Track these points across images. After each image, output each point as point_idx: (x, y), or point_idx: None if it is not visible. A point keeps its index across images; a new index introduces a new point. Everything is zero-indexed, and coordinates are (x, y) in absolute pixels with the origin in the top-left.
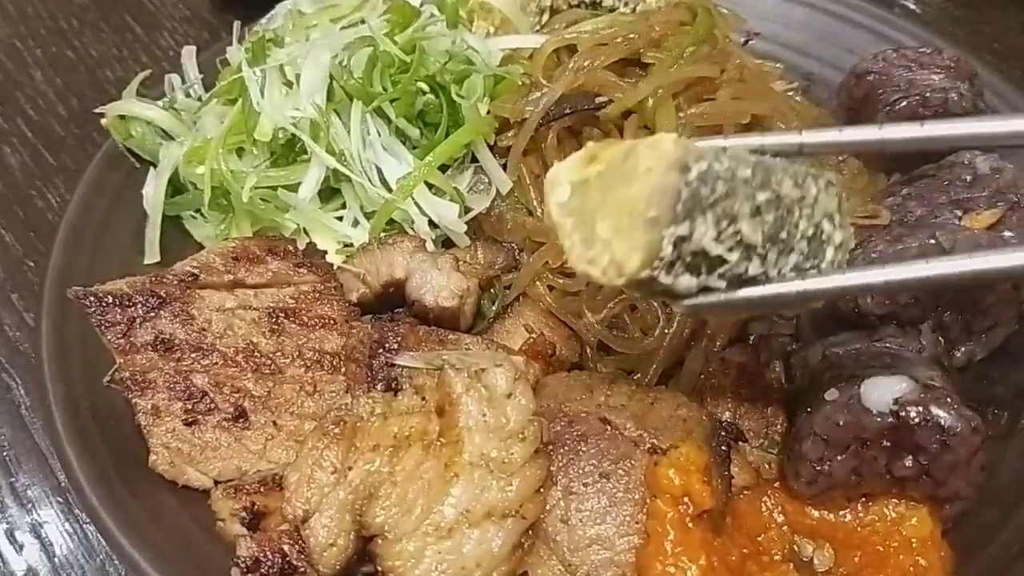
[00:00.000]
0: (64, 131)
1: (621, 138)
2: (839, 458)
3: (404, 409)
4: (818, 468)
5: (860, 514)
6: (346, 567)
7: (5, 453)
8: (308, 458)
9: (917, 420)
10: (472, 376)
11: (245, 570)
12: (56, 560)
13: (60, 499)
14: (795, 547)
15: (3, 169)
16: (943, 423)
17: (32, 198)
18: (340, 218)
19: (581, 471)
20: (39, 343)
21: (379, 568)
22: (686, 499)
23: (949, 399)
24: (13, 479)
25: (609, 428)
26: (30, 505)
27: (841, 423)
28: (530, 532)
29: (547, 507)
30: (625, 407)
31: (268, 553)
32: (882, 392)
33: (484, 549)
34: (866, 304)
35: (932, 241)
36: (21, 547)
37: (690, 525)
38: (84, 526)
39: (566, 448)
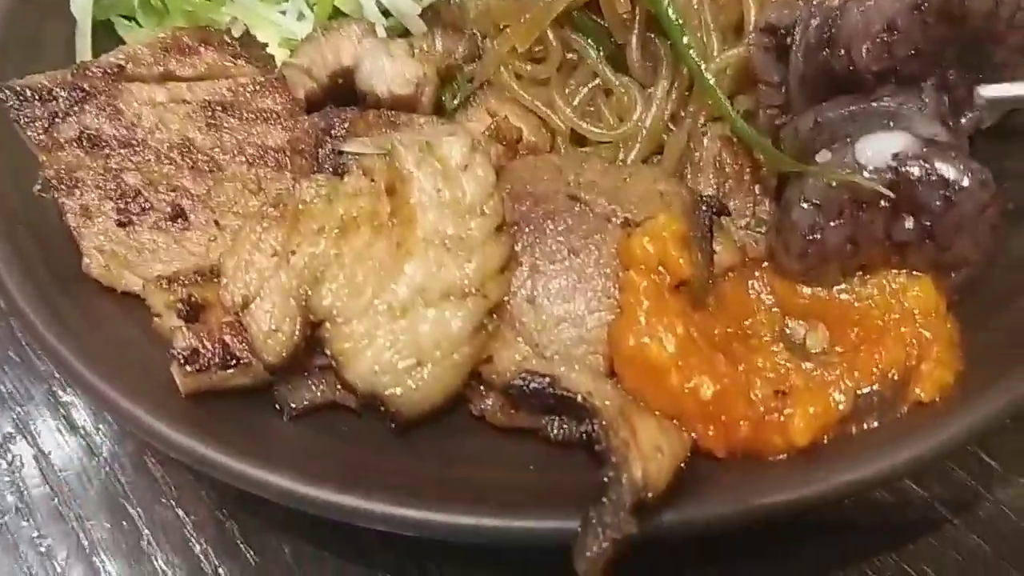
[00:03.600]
0: None
1: None
2: (832, 225)
3: (351, 191)
4: (809, 238)
5: (857, 288)
6: (293, 355)
7: None
8: (246, 242)
9: (918, 175)
10: (423, 149)
11: (183, 362)
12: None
13: (2, 323)
14: (786, 329)
15: None
16: (947, 176)
17: None
18: (284, 12)
19: (548, 249)
20: None
21: (328, 353)
22: (661, 269)
23: (954, 152)
24: None
25: (579, 205)
26: None
27: (835, 184)
28: (494, 316)
29: (512, 288)
30: (596, 184)
31: (207, 344)
32: (879, 148)
33: (442, 330)
34: (861, 59)
35: None
36: None
37: (666, 296)
38: (25, 349)
39: (532, 227)
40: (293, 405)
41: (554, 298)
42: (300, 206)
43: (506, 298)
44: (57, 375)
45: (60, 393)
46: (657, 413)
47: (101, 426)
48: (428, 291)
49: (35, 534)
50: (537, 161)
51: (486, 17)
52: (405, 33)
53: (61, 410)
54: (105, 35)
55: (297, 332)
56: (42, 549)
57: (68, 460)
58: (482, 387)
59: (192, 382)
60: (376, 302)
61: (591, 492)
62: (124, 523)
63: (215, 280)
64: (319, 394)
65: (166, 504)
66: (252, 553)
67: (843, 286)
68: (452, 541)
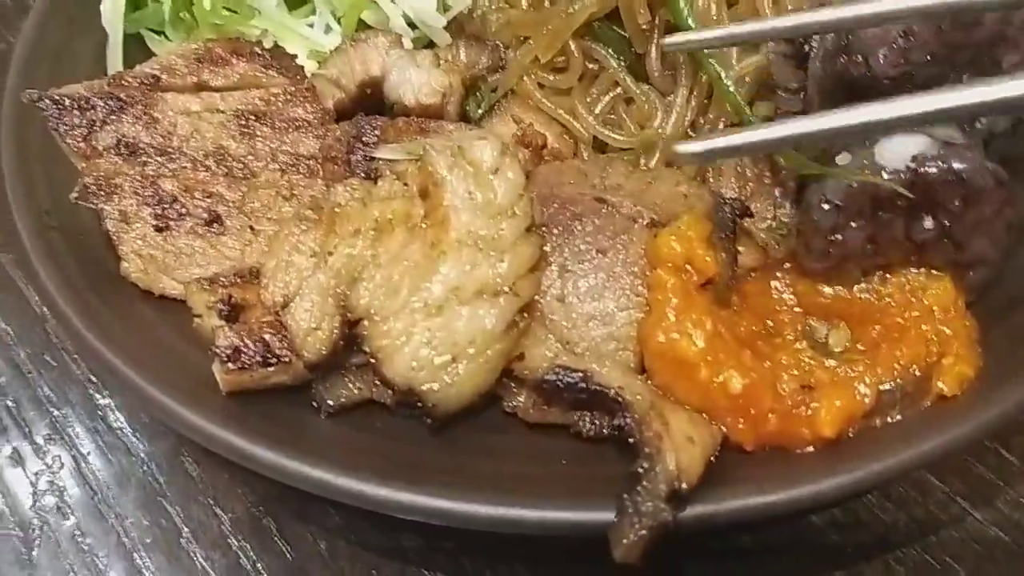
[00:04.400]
0: None
1: None
2: (853, 225)
3: (384, 194)
4: (831, 238)
5: (877, 287)
6: (332, 354)
7: None
8: (285, 243)
9: (937, 176)
10: (455, 154)
11: (225, 359)
12: (36, 388)
13: (38, 329)
14: (808, 328)
15: None
16: (965, 176)
17: None
18: (311, 25)
19: (576, 249)
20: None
21: (367, 351)
22: (688, 267)
23: (970, 153)
24: None
25: (605, 206)
26: (10, 340)
27: (855, 185)
28: (525, 313)
29: (542, 287)
30: (622, 186)
31: (248, 342)
32: (898, 150)
33: (477, 326)
34: (878, 64)
35: None
36: None
37: (694, 293)
38: (62, 353)
39: (560, 228)
40: (330, 402)
41: (583, 296)
42: (336, 209)
43: (536, 297)
44: (93, 378)
45: (96, 396)
46: (687, 407)
47: (137, 427)
48: (462, 290)
49: (76, 533)
50: (562, 166)
51: (508, 29)
52: (429, 45)
53: (98, 412)
54: (135, 48)
55: (336, 330)
56: (83, 548)
57: (106, 461)
58: (513, 384)
59: (233, 380)
60: (412, 300)
61: (625, 484)
62: (163, 521)
63: (254, 281)
64: (355, 391)
65: (203, 502)
66: (289, 548)
67: (863, 285)
68: (491, 533)
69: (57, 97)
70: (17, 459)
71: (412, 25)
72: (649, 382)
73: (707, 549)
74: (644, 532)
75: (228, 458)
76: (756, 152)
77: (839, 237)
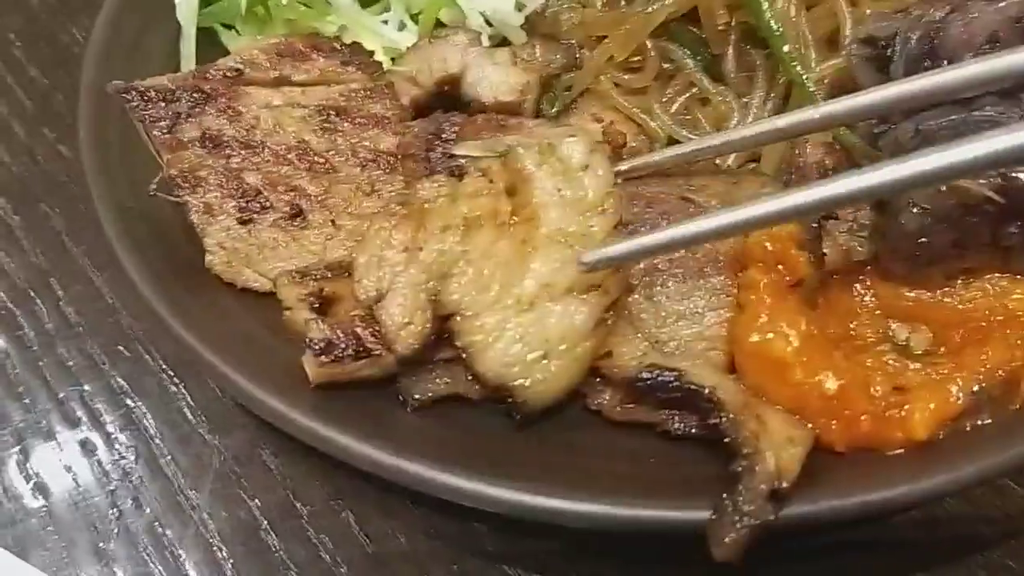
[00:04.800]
0: None
1: None
2: (940, 229)
3: (471, 191)
4: (919, 242)
5: (960, 291)
6: (424, 348)
7: (51, 278)
8: (376, 238)
9: None
10: (543, 151)
11: (318, 352)
12: (108, 378)
13: (110, 319)
14: (889, 332)
15: (24, 3)
16: None
17: (56, 32)
18: (385, 22)
19: None
20: (79, 158)
21: (459, 345)
22: (780, 267)
23: None
24: (59, 301)
25: (692, 206)
26: (82, 330)
27: (943, 189)
28: (612, 311)
29: (630, 285)
30: (707, 186)
31: (341, 335)
32: None
33: (568, 323)
34: None
35: None
36: (69, 369)
37: (786, 293)
38: (135, 344)
39: (647, 227)
40: (416, 396)
41: (672, 295)
42: (425, 205)
43: (624, 295)
44: (168, 370)
45: (171, 387)
46: (780, 408)
47: (213, 419)
48: (553, 286)
49: (154, 523)
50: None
51: (582, 28)
52: (502, 43)
53: (174, 403)
54: (205, 42)
55: (428, 324)
56: (162, 540)
57: (182, 452)
58: (599, 381)
59: (324, 372)
60: (504, 296)
61: (718, 484)
62: (241, 513)
63: (343, 275)
64: (441, 386)
65: (282, 494)
66: (368, 541)
67: (946, 289)
68: (574, 532)
69: (142, 89)
70: (91, 449)
71: (487, 23)
72: (741, 382)
73: (784, 549)
74: (745, 531)
75: (319, 448)
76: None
77: (925, 240)
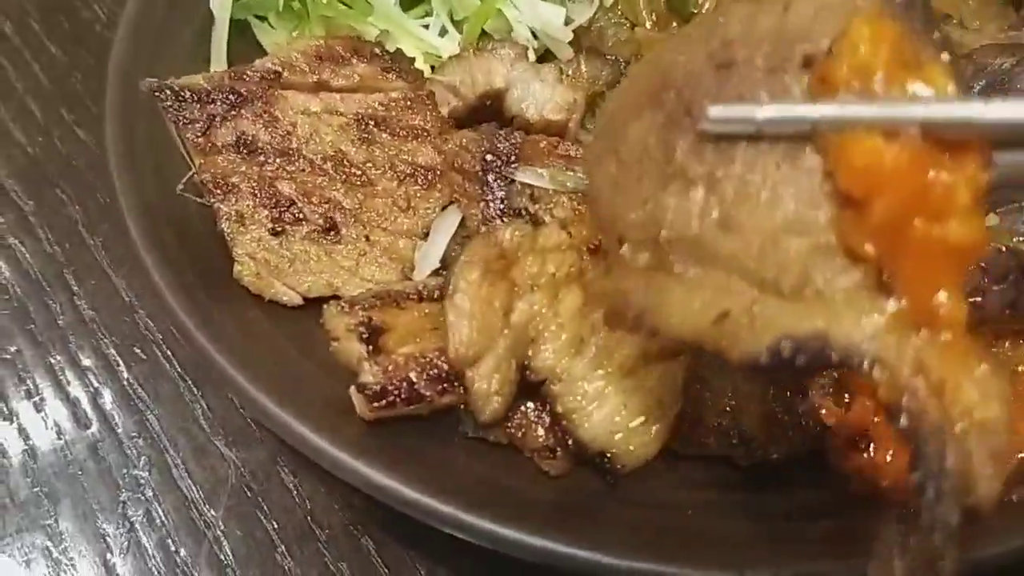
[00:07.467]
0: None
1: None
2: (995, 288)
3: (552, 245)
4: (972, 301)
5: (1007, 352)
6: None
7: (65, 271)
8: (477, 300)
9: None
10: None
11: (371, 398)
12: (123, 381)
13: (127, 318)
14: None
15: None
16: None
17: (77, 8)
18: (426, 27)
19: (717, 147)
20: (104, 149)
21: (558, 412)
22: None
23: None
24: (74, 295)
25: (735, 68)
26: (93, 325)
27: (1004, 249)
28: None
29: (695, 218)
30: (747, 34)
31: (395, 381)
32: None
33: (668, 385)
34: None
35: None
36: (84, 368)
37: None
38: (152, 346)
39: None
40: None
41: (755, 206)
42: (513, 264)
43: (695, 231)
44: (185, 376)
45: (187, 395)
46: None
47: (231, 431)
48: (650, 349)
49: (166, 539)
50: (667, 41)
51: (631, 46)
52: (546, 56)
53: (190, 412)
54: (235, 35)
55: (513, 393)
56: (175, 557)
57: (197, 464)
58: None
59: (374, 415)
60: (603, 362)
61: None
62: (257, 533)
63: (393, 304)
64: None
65: (299, 516)
66: (386, 570)
67: (995, 350)
68: None
69: (177, 88)
70: (102, 456)
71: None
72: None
73: None
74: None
75: (354, 486)
76: None
77: (979, 300)
